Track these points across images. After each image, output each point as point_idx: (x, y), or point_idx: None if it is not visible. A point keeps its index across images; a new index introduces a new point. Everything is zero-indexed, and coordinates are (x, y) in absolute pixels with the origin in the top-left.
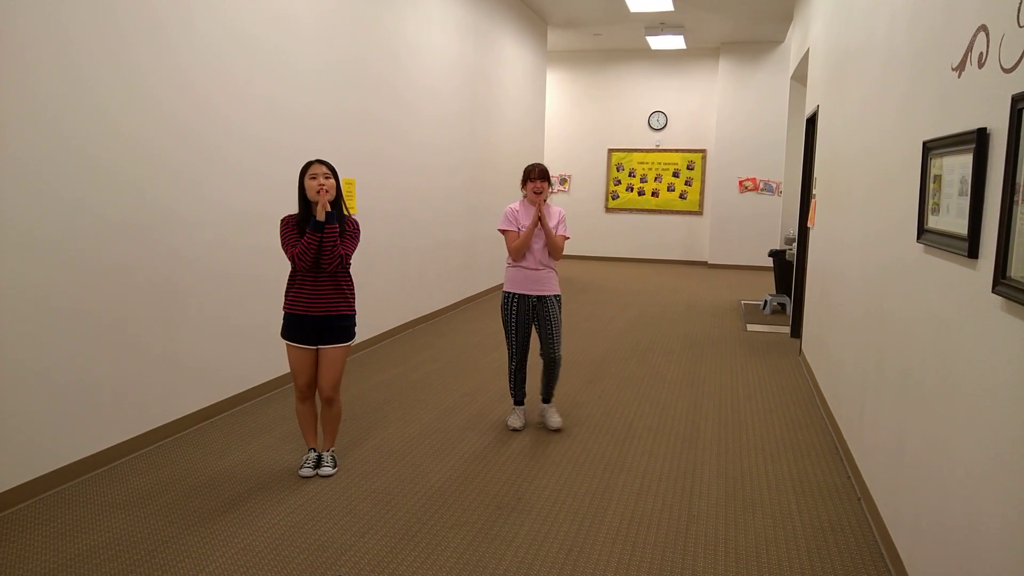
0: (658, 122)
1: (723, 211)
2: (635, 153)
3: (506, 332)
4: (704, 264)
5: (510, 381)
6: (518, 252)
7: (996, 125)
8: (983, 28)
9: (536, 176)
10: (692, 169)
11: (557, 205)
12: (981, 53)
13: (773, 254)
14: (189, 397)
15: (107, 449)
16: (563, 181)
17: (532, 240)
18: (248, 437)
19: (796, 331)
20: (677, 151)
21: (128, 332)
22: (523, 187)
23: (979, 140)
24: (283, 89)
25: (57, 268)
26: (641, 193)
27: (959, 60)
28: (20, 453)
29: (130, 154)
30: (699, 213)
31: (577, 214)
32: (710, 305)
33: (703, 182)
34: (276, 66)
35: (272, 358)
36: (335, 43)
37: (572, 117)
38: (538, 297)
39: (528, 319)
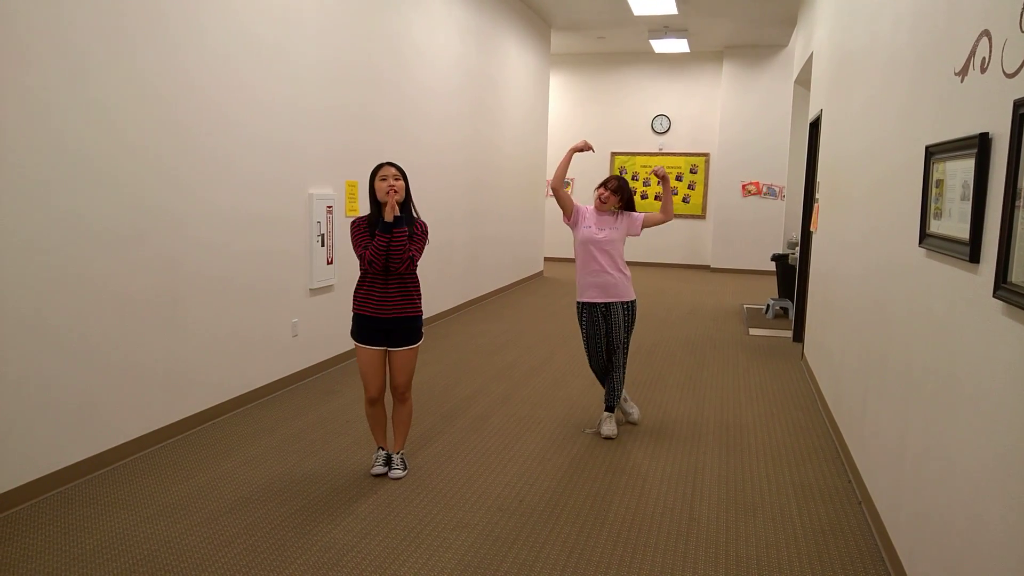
0: (661, 126)
1: (726, 215)
2: (638, 156)
3: (583, 341)
4: (707, 268)
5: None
6: (557, 178)
7: (998, 130)
8: (986, 33)
9: (610, 186)
10: (695, 173)
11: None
12: (984, 58)
13: (776, 258)
14: (191, 399)
15: (110, 450)
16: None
17: (603, 244)
18: (250, 439)
19: (798, 335)
20: (680, 155)
21: (130, 335)
22: (595, 189)
23: (981, 145)
24: (286, 90)
25: (59, 272)
26: (644, 197)
27: (962, 65)
28: (24, 453)
29: (131, 156)
30: (702, 217)
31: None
32: (712, 309)
33: (706, 186)
34: (282, 68)
35: (275, 361)
36: (340, 46)
37: (575, 120)
38: (606, 304)
39: (598, 327)
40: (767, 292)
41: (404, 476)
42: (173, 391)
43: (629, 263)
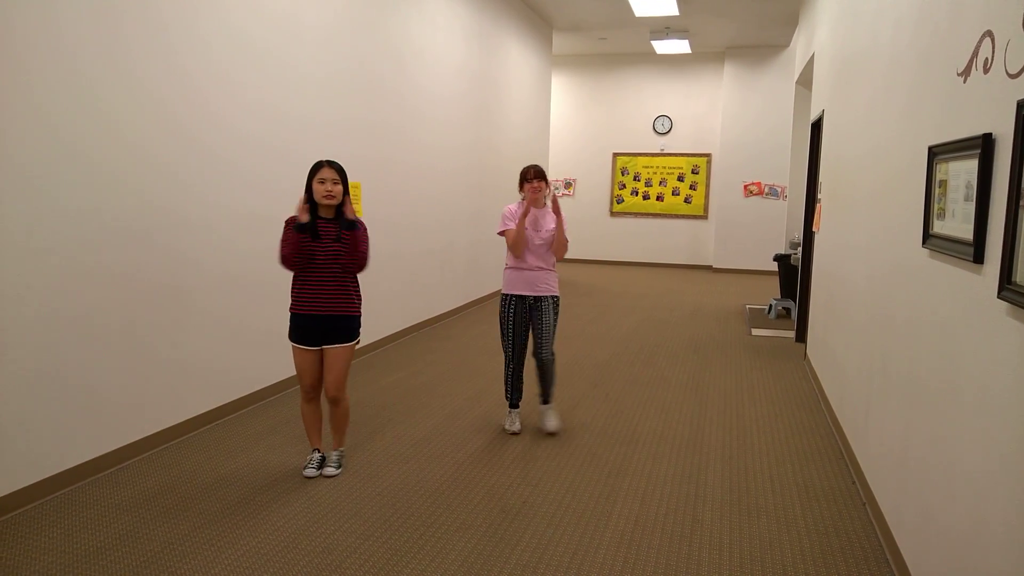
0: (663, 126)
1: (728, 215)
2: (640, 157)
3: (502, 334)
4: (709, 268)
5: (506, 384)
6: (516, 246)
7: (1002, 130)
8: (989, 33)
9: (533, 176)
10: (697, 173)
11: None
12: (987, 58)
13: (778, 258)
14: (196, 400)
15: (113, 451)
16: (568, 185)
17: (529, 237)
18: (254, 439)
19: (801, 335)
20: (682, 155)
21: (134, 336)
22: (520, 189)
23: (985, 145)
24: (287, 93)
25: (62, 273)
26: (646, 197)
27: (964, 65)
28: (27, 455)
29: (133, 158)
30: (704, 217)
31: (582, 218)
32: (715, 309)
33: (708, 186)
34: (280, 70)
35: (278, 360)
36: (340, 47)
37: (577, 121)
38: (535, 297)
39: (525, 321)
40: (769, 292)
41: (338, 474)
42: (178, 390)
43: (630, 263)
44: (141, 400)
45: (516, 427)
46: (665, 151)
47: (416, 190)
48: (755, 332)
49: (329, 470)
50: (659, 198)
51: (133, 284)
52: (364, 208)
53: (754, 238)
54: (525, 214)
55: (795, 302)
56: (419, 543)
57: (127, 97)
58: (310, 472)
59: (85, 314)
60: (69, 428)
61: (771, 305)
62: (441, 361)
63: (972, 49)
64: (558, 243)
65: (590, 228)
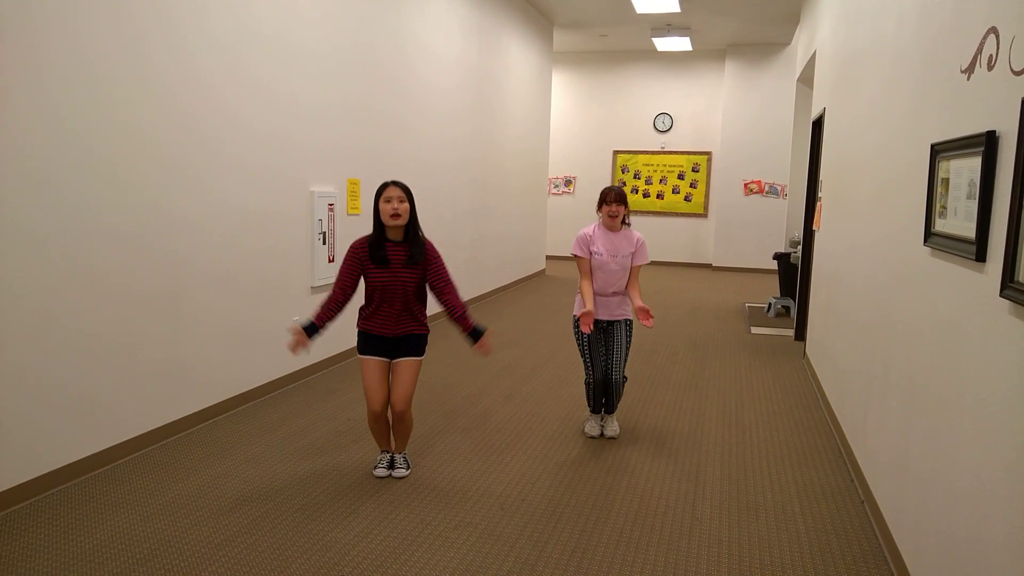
0: (663, 124)
1: (728, 214)
2: (640, 155)
3: (581, 354)
4: (708, 267)
5: (587, 394)
6: (586, 298)
7: (1005, 128)
8: (993, 30)
9: (613, 199)
10: (697, 171)
11: (636, 231)
12: (991, 55)
13: (778, 257)
14: (192, 397)
15: (110, 448)
16: (568, 183)
17: (604, 262)
18: (251, 437)
19: (800, 334)
20: (682, 153)
21: (131, 332)
22: (599, 210)
23: (988, 143)
24: (291, 88)
25: (62, 267)
26: (646, 195)
27: (968, 62)
28: (22, 452)
29: (137, 151)
30: (704, 215)
31: (582, 216)
32: (714, 307)
33: (708, 184)
34: (285, 64)
35: (276, 359)
36: (343, 44)
37: (577, 118)
38: (608, 321)
39: (600, 342)
40: (769, 291)
41: (408, 475)
42: (174, 388)
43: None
44: (138, 396)
45: (596, 431)
46: (665, 149)
47: (417, 185)
48: (754, 330)
49: (400, 471)
50: (659, 196)
51: (131, 279)
52: (364, 203)
53: (754, 236)
54: (591, 298)
55: (795, 301)
56: (418, 540)
57: (135, 88)
58: (380, 472)
59: (82, 309)
60: (64, 425)
61: (771, 303)
62: (440, 359)
63: (976, 46)
64: (632, 288)
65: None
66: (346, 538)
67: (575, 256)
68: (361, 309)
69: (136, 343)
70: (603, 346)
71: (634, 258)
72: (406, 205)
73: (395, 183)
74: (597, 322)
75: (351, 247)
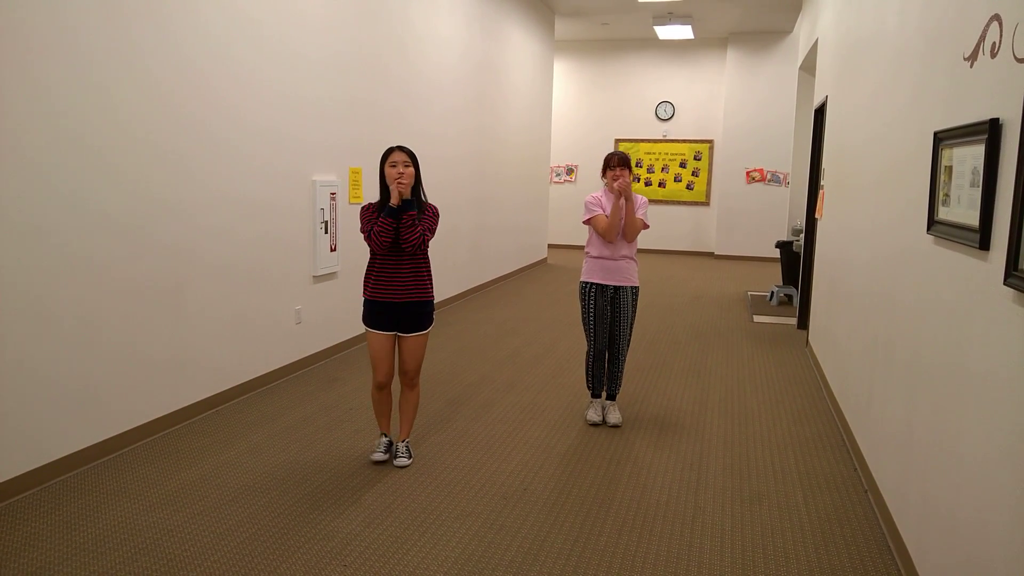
0: (665, 112)
1: (730, 202)
2: (642, 143)
3: (584, 323)
4: (711, 255)
5: (587, 373)
6: (611, 230)
7: (1009, 115)
8: (996, 17)
9: (616, 164)
10: (699, 160)
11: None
12: (994, 43)
13: (780, 245)
14: (194, 386)
15: (111, 438)
16: (569, 171)
17: (618, 224)
18: (253, 427)
19: (803, 322)
20: (684, 141)
21: (133, 322)
22: (603, 176)
23: (991, 131)
24: (288, 77)
25: (62, 259)
26: (648, 183)
27: (971, 50)
28: (25, 441)
29: (134, 143)
30: (706, 204)
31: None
32: (716, 296)
33: (710, 173)
34: (282, 54)
35: (278, 348)
36: (343, 33)
37: (579, 107)
38: (615, 287)
39: (605, 310)
40: (771, 279)
41: (409, 464)
42: (176, 378)
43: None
44: (141, 386)
45: (597, 418)
46: (667, 137)
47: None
48: (757, 319)
49: (401, 460)
50: (661, 184)
51: (130, 270)
52: (366, 194)
53: (756, 225)
54: (619, 197)
55: (797, 289)
56: (420, 530)
57: (127, 80)
58: (378, 456)
59: (82, 299)
60: (65, 415)
61: (773, 292)
62: (442, 347)
63: (979, 33)
64: (631, 227)
65: None
66: (348, 528)
67: (587, 221)
68: (366, 276)
69: (137, 333)
70: (607, 317)
71: (637, 213)
72: (411, 169)
73: (400, 148)
74: (604, 288)
75: (362, 210)
